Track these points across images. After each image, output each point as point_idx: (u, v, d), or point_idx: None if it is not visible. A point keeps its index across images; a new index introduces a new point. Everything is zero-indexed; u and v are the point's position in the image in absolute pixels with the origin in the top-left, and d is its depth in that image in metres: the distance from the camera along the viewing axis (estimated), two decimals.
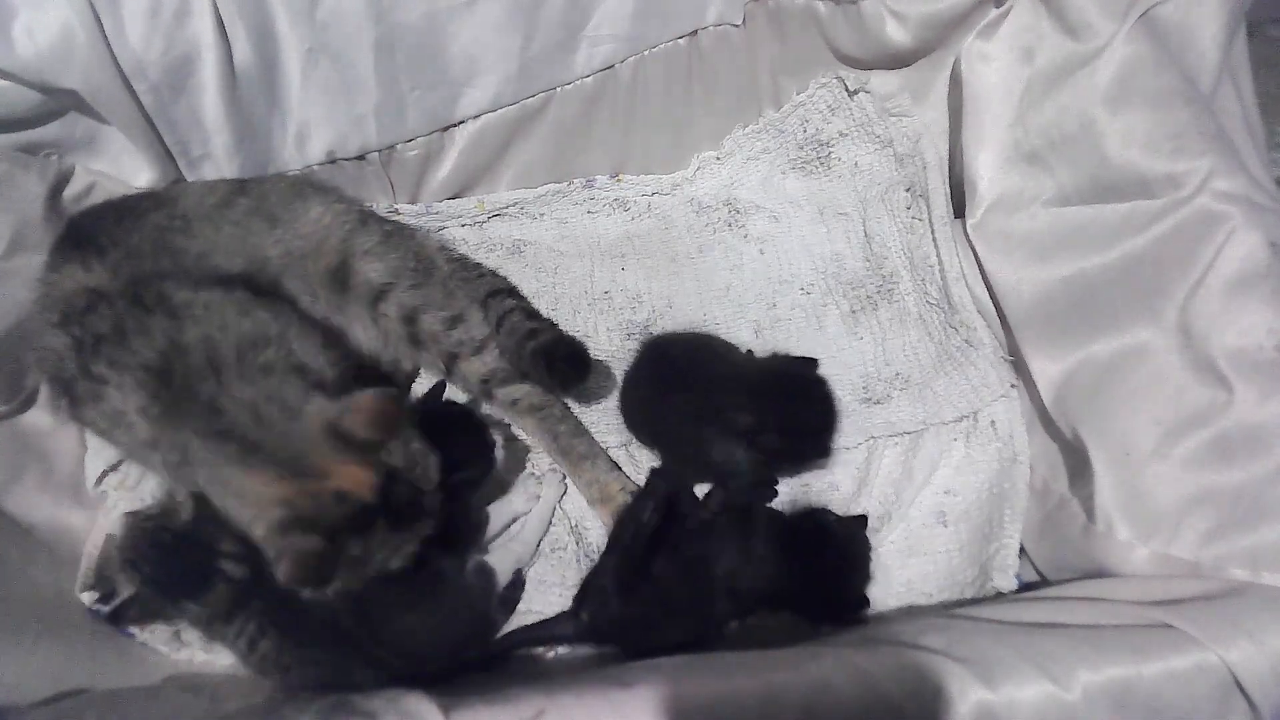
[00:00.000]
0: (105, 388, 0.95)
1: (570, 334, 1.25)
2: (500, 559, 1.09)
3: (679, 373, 1.17)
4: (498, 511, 1.15)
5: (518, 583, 1.11)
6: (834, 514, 1.09)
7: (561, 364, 1.14)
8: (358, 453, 0.87)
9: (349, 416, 0.87)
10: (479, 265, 1.36)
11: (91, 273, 1.01)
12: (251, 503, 0.88)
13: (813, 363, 1.16)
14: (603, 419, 1.25)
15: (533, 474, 1.21)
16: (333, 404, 0.90)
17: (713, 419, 1.09)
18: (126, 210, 1.10)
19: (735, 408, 1.08)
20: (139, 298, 0.97)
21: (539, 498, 1.17)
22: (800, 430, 1.11)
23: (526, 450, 1.24)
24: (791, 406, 1.12)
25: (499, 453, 1.10)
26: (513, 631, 1.08)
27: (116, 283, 1.00)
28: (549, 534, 1.16)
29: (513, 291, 1.33)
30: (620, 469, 1.19)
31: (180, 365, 0.93)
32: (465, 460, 1.04)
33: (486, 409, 1.25)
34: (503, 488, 1.19)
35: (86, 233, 1.07)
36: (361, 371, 1.14)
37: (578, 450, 1.18)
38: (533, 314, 1.27)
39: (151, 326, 0.95)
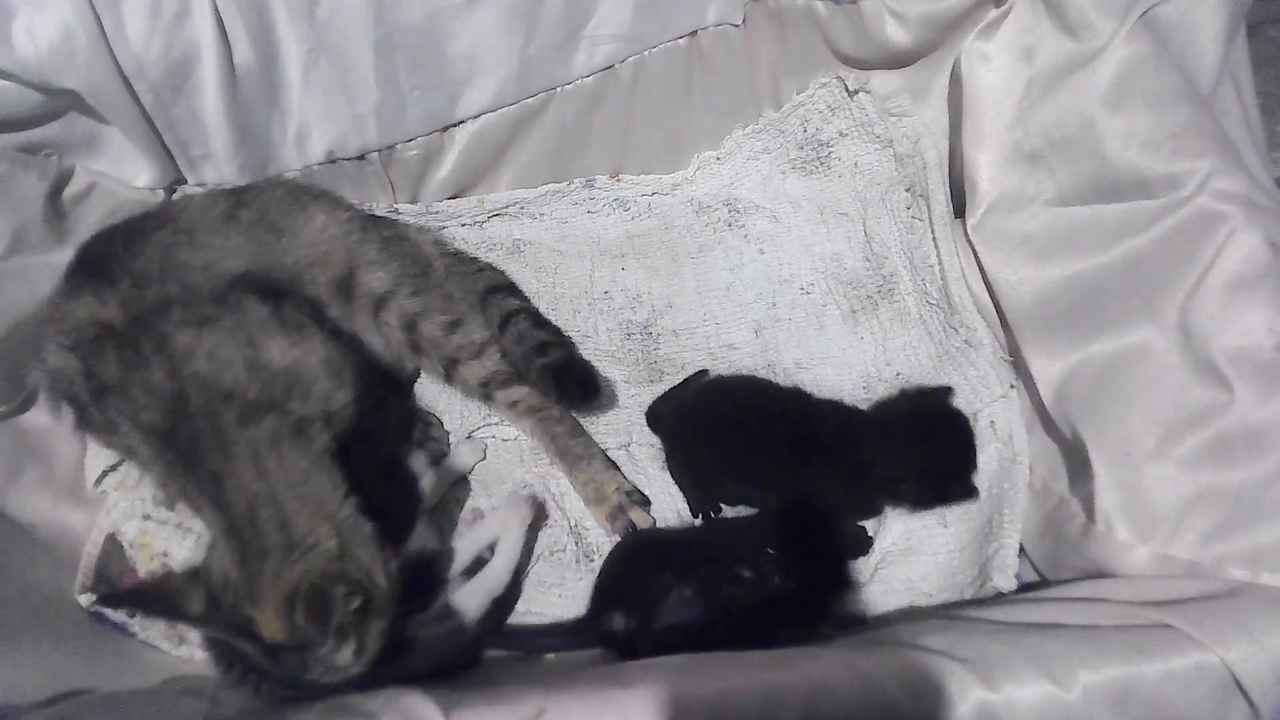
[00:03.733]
0: (114, 432, 0.97)
1: (580, 354, 1.26)
2: (467, 596, 1.01)
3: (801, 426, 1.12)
4: (465, 544, 1.07)
5: (512, 592, 1.08)
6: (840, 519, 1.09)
7: (573, 387, 1.16)
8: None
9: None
10: (475, 260, 1.37)
11: (105, 305, 1.00)
12: None
13: (948, 391, 1.12)
14: (601, 419, 1.25)
15: (495, 507, 1.16)
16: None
17: (859, 473, 1.07)
18: (132, 233, 1.10)
19: (884, 460, 1.06)
20: (139, 347, 0.95)
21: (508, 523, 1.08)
22: (946, 475, 1.08)
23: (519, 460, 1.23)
24: (937, 449, 1.08)
25: (424, 485, 1.07)
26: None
27: (125, 319, 0.99)
28: (548, 534, 1.16)
29: (512, 288, 1.33)
30: (617, 468, 1.19)
31: (186, 431, 0.92)
32: (389, 508, 0.99)
33: (486, 409, 1.26)
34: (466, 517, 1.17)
35: (98, 262, 1.06)
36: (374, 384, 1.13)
37: (574, 451, 1.18)
38: (539, 320, 1.28)
39: (153, 381, 0.94)
